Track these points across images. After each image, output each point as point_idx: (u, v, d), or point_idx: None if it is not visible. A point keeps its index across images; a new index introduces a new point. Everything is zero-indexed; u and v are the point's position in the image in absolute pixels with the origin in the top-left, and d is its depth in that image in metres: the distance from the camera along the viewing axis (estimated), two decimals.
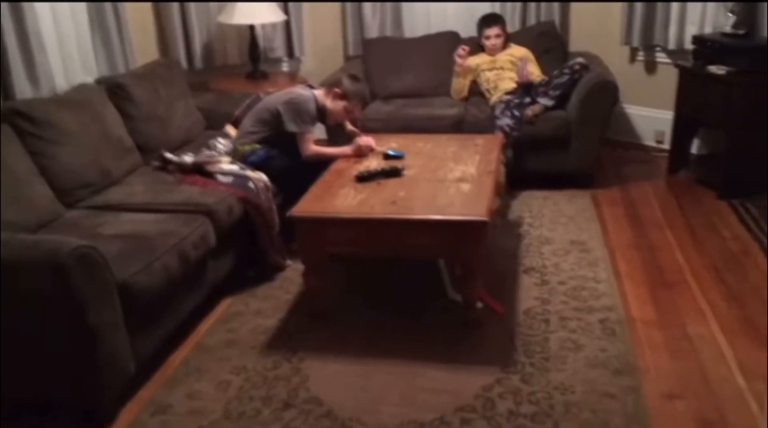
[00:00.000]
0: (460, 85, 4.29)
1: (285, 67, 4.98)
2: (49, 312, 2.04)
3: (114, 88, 3.29)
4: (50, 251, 2.00)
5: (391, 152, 3.15)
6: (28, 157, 2.70)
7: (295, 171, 3.19)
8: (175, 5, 4.33)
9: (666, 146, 4.28)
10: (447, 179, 2.83)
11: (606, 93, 3.81)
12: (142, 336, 2.33)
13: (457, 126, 4.01)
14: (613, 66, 4.21)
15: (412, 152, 3.20)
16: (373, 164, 3.07)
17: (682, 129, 4.08)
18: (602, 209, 3.72)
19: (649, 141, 4.58)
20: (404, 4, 4.80)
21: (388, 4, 4.79)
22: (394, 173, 2.91)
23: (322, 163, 3.15)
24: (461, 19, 4.70)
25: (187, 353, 2.58)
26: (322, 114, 3.38)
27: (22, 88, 3.08)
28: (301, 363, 2.48)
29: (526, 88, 4.10)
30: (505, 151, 3.63)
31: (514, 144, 3.78)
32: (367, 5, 4.78)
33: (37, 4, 3.16)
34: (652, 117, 4.50)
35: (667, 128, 4.20)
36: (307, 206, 2.65)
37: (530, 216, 3.64)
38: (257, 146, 3.27)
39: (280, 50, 4.82)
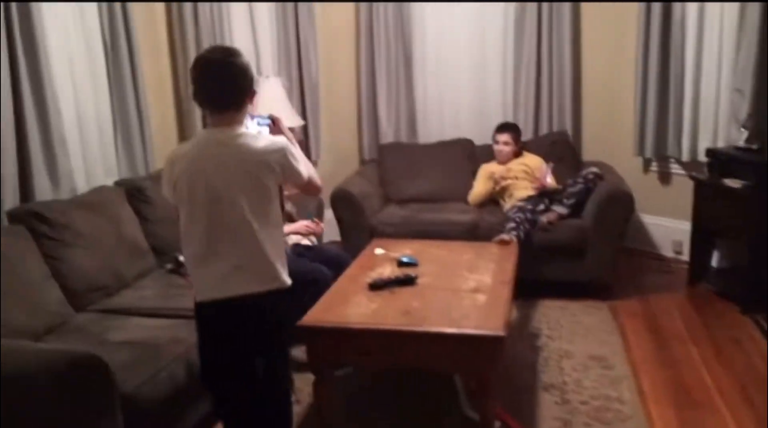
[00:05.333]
0: (486, 190, 4.29)
1: None
2: (50, 425, 1.95)
3: (132, 191, 3.33)
4: (51, 360, 1.94)
5: (404, 259, 3.11)
6: (41, 259, 2.69)
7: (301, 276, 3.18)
8: (197, 109, 4.45)
9: (685, 256, 4.22)
10: (462, 289, 2.78)
11: (621, 203, 3.81)
12: None
13: (472, 232, 4.00)
14: (627, 176, 4.24)
15: (427, 259, 3.16)
16: (387, 271, 3.03)
17: (701, 240, 4.04)
18: (622, 321, 3.62)
19: (667, 251, 4.53)
20: (419, 112, 4.92)
21: (403, 111, 4.91)
22: (408, 281, 2.86)
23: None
24: (474, 127, 4.79)
25: None
26: None
27: (43, 189, 3.12)
28: None
29: (540, 195, 4.12)
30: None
31: (526, 241, 3.74)
32: (382, 111, 4.90)
33: (64, 110, 3.26)
34: (669, 227, 4.47)
35: (686, 238, 4.15)
36: (319, 315, 2.58)
37: (548, 327, 3.54)
38: None
39: None
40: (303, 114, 4.81)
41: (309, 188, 2.28)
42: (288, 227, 3.47)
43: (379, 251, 3.32)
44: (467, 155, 4.63)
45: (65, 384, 1.90)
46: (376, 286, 2.81)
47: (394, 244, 3.43)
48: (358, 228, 4.11)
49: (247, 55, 2.13)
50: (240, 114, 2.10)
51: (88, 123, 3.50)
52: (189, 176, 2.03)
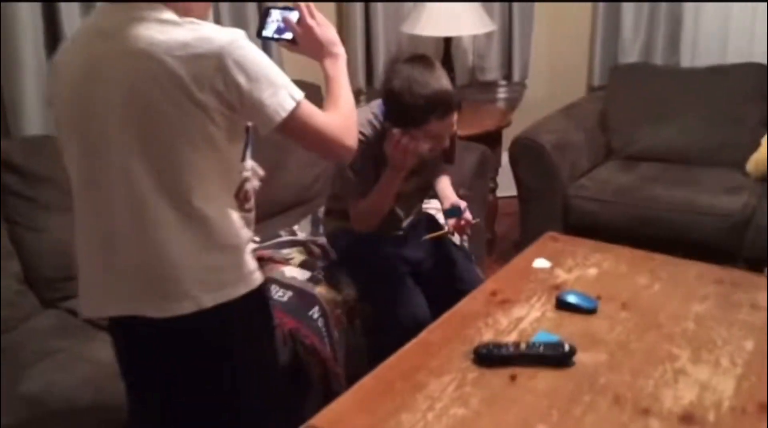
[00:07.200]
0: None
1: (502, 93, 3.70)
2: None
3: None
4: None
5: (571, 299, 1.67)
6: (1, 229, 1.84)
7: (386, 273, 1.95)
8: (359, 8, 3.26)
9: None
10: (662, 407, 1.30)
11: None
12: None
13: (738, 231, 2.34)
14: None
15: (617, 299, 1.68)
16: (532, 314, 1.64)
17: None
18: None
19: None
20: (687, 17, 3.15)
21: (662, 16, 3.19)
22: (554, 359, 1.45)
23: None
24: None
25: None
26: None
27: None
28: None
29: None
30: None
31: None
32: (628, 15, 3.25)
33: None
34: None
35: None
36: (339, 413, 1.35)
37: None
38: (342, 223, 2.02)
39: (493, 71, 3.54)
40: (508, 15, 3.40)
41: (307, 140, 1.21)
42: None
43: (540, 263, 1.91)
44: (758, 91, 2.83)
45: None
46: (488, 357, 1.46)
47: (576, 249, 1.98)
48: (544, 198, 2.72)
49: None
50: None
51: None
52: (62, 102, 1.17)
